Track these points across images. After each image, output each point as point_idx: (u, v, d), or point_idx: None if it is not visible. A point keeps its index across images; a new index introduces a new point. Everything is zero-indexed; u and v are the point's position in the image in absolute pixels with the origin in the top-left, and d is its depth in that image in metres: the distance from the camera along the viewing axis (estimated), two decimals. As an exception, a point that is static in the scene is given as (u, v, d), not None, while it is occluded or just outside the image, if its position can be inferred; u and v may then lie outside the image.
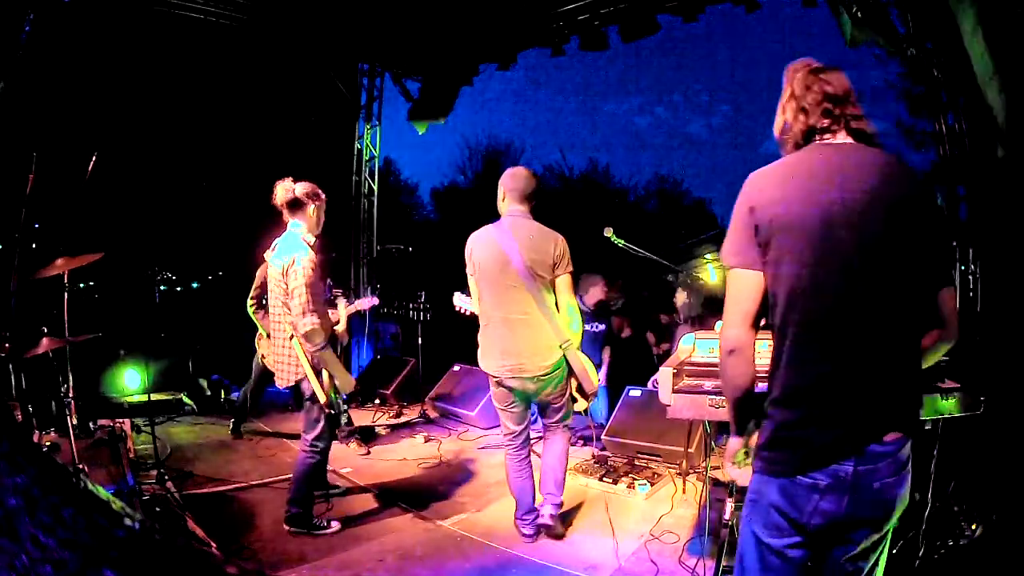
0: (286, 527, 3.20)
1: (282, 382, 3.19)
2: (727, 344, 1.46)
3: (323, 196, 3.23)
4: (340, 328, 3.64)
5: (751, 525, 1.46)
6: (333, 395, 3.15)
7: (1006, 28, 3.28)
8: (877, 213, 1.33)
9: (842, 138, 1.43)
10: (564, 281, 3.02)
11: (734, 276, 1.47)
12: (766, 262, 1.41)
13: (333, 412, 3.18)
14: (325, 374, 3.11)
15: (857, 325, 1.33)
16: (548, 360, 3.05)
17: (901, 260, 1.34)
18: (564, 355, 3.11)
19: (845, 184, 1.35)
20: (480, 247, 3.08)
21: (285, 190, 3.13)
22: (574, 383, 3.41)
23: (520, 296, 2.99)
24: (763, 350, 1.52)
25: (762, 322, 1.47)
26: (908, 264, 1.35)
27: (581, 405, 3.58)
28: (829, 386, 1.35)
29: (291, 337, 3.10)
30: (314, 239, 3.17)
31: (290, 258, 3.00)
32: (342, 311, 3.90)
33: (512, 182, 3.03)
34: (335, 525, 3.29)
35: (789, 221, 1.37)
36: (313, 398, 3.12)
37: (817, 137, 1.44)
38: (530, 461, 3.30)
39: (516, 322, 3.03)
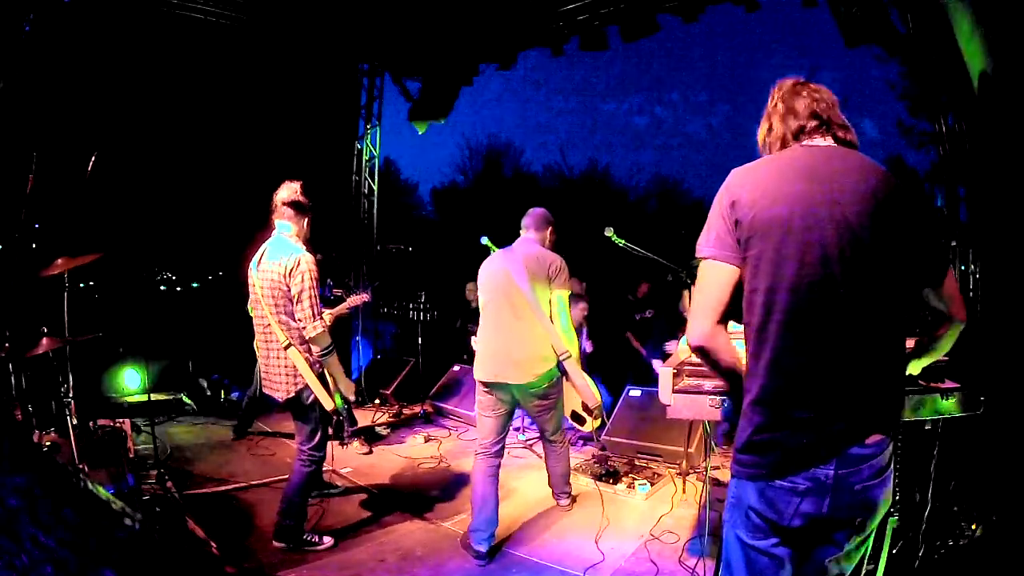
0: (274, 543, 3.03)
1: (280, 394, 2.97)
2: (693, 340, 1.42)
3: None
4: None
5: (733, 528, 1.44)
6: (339, 400, 3.04)
7: (1005, 28, 3.28)
8: (863, 214, 1.32)
9: (828, 142, 1.44)
10: (559, 298, 3.24)
11: (706, 267, 1.43)
12: (746, 259, 1.39)
13: (340, 418, 3.12)
14: (330, 379, 3.00)
15: (840, 326, 1.32)
16: (537, 370, 3.18)
17: (887, 261, 1.33)
18: (561, 367, 3.24)
19: (830, 184, 1.35)
20: (488, 264, 3.39)
21: (292, 190, 3.04)
22: (578, 401, 3.45)
23: (516, 306, 3.19)
24: (741, 350, 1.50)
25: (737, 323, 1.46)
26: (894, 265, 1.34)
27: (589, 426, 3.61)
28: (810, 387, 1.33)
29: (287, 347, 2.91)
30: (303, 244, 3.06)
31: (292, 259, 2.88)
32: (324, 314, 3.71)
33: (528, 218, 3.46)
34: (327, 541, 3.13)
35: (772, 219, 1.36)
36: (314, 406, 2.98)
37: (804, 138, 1.45)
38: (498, 474, 3.26)
39: (510, 330, 3.21)
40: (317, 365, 2.97)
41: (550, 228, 3.45)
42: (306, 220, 3.09)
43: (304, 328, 2.89)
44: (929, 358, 1.60)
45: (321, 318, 2.92)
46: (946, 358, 1.60)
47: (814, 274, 1.32)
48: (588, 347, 5.71)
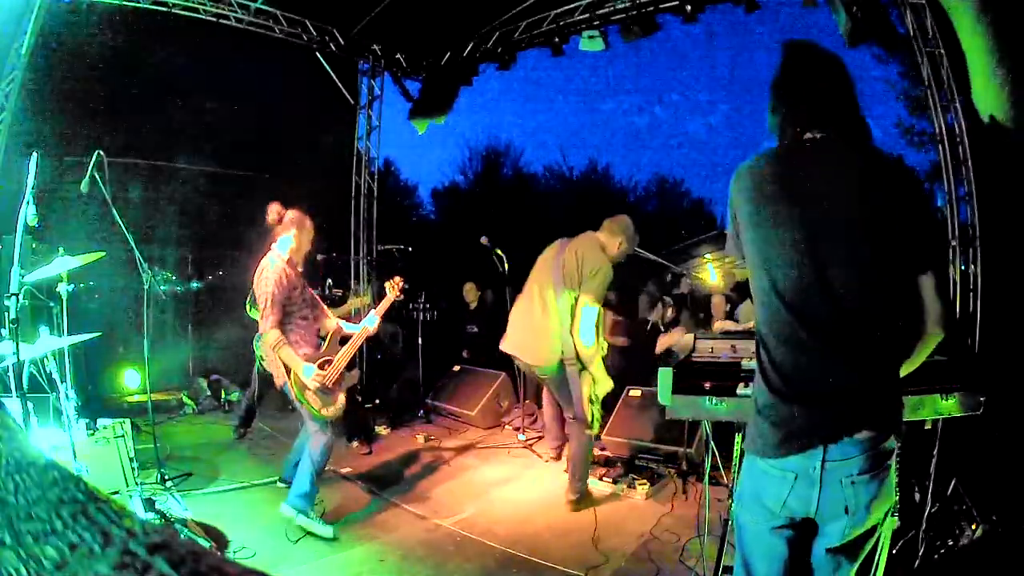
0: (282, 512, 3.19)
1: (278, 381, 3.31)
2: None
3: (309, 224, 3.35)
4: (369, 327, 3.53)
5: (738, 511, 1.52)
6: (298, 393, 3.16)
7: (1006, 27, 3.28)
8: (851, 208, 1.32)
9: (827, 135, 1.40)
10: (583, 300, 3.28)
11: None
12: (744, 252, 1.46)
13: (292, 409, 3.35)
14: (292, 374, 3.18)
15: (824, 317, 1.33)
16: (543, 361, 3.41)
17: (874, 250, 1.32)
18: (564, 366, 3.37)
19: (818, 180, 1.35)
20: (546, 249, 3.61)
21: (275, 212, 3.28)
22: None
23: (544, 296, 3.38)
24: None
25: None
26: (883, 255, 1.32)
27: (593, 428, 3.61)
28: (796, 377, 1.35)
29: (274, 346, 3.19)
30: (288, 255, 3.26)
31: (262, 264, 3.19)
32: (343, 323, 3.65)
33: (607, 219, 3.56)
34: (328, 530, 3.23)
35: (760, 215, 1.39)
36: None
37: (806, 133, 1.41)
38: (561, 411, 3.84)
39: (534, 316, 3.41)
40: (274, 360, 3.21)
41: (620, 239, 3.45)
42: (293, 233, 3.28)
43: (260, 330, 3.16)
44: (907, 366, 1.53)
45: (269, 319, 3.08)
46: (943, 357, 1.59)
47: (799, 266, 1.34)
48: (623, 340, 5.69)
